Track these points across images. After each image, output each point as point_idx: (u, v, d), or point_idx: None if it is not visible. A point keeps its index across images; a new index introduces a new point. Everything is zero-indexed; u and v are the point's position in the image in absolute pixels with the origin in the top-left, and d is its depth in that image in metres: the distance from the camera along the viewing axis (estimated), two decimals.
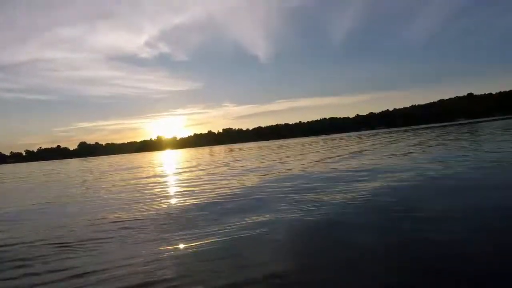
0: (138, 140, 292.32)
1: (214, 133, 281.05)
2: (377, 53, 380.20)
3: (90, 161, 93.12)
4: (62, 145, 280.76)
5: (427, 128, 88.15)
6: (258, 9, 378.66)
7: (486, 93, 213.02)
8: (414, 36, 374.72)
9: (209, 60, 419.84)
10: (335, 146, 38.48)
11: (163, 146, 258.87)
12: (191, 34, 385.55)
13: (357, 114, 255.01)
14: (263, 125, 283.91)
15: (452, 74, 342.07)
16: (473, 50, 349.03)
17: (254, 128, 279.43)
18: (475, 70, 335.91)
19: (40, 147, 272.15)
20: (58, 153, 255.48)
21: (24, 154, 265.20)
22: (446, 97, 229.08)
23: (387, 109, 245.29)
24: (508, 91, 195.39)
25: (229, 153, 52.00)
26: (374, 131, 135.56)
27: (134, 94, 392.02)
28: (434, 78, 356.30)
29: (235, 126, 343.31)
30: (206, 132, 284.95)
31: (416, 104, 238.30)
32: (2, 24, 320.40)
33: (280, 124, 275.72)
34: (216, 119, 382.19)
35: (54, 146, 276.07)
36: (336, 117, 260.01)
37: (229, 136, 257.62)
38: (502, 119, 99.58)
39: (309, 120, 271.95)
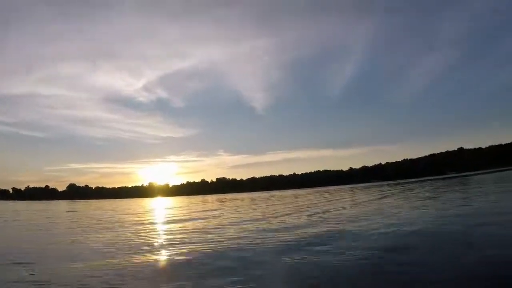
0: (130, 185, 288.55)
1: (208, 181, 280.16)
2: (373, 107, 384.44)
3: (78, 204, 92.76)
4: (51, 185, 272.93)
5: (417, 181, 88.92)
6: (257, 59, 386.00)
7: (476, 147, 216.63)
8: (408, 91, 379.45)
9: (206, 107, 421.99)
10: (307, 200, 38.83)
11: (155, 192, 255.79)
12: (190, 80, 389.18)
13: (350, 168, 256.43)
14: (257, 175, 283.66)
15: (443, 129, 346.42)
16: (466, 105, 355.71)
17: (248, 178, 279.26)
18: (466, 125, 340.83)
19: (28, 186, 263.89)
20: (47, 193, 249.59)
21: (10, 191, 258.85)
22: (437, 151, 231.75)
23: (380, 163, 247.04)
24: (497, 145, 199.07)
25: (221, 203, 52.39)
26: (366, 184, 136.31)
27: (128, 138, 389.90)
28: (425, 132, 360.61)
29: (229, 175, 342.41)
30: (200, 180, 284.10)
31: (408, 158, 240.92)
32: (3, 53, 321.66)
33: (274, 175, 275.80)
34: (210, 168, 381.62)
35: (43, 185, 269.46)
36: (330, 170, 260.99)
37: (223, 186, 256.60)
38: (493, 172, 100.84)
39: (304, 172, 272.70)
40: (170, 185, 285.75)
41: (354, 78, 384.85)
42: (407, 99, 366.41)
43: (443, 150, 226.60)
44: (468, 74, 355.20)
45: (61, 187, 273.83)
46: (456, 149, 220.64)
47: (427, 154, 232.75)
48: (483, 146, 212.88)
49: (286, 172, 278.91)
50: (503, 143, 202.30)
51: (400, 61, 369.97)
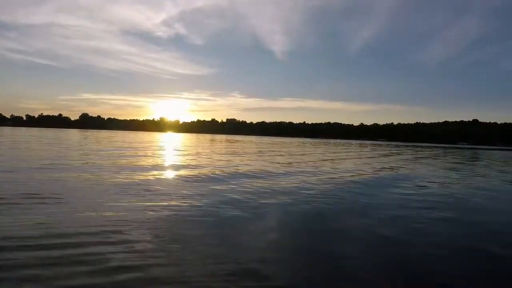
0: (141, 119, 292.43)
1: (218, 121, 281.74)
2: (391, 67, 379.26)
3: (91, 133, 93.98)
4: (64, 114, 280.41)
5: (429, 147, 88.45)
6: (281, 3, 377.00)
7: (492, 121, 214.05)
8: (429, 57, 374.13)
9: (224, 47, 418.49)
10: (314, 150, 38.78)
11: (165, 127, 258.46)
12: (210, 19, 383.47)
13: (361, 123, 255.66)
14: (267, 120, 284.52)
15: (460, 99, 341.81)
16: (484, 80, 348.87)
17: (258, 122, 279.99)
18: (484, 98, 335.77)
19: (42, 114, 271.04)
20: (59, 121, 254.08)
21: (24, 118, 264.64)
22: (451, 119, 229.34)
23: (392, 123, 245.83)
24: None
25: (229, 143, 52.56)
26: (374, 142, 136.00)
27: (143, 72, 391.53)
28: (442, 99, 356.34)
29: (240, 117, 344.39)
30: (210, 119, 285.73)
31: (421, 122, 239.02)
32: None
33: (284, 122, 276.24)
34: (222, 108, 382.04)
35: (56, 114, 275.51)
36: (341, 123, 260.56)
37: (232, 127, 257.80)
38: (504, 149, 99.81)
39: (314, 122, 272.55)
40: (181, 122, 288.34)
41: (377, 36, 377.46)
42: (429, 65, 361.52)
43: (458, 120, 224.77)
44: (496, 47, 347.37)
45: (74, 116, 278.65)
46: (471, 120, 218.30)
47: (440, 121, 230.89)
48: (499, 122, 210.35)
49: (296, 120, 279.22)
50: None
51: (427, 26, 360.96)
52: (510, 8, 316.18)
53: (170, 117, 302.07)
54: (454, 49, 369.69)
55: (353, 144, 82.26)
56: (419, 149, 65.68)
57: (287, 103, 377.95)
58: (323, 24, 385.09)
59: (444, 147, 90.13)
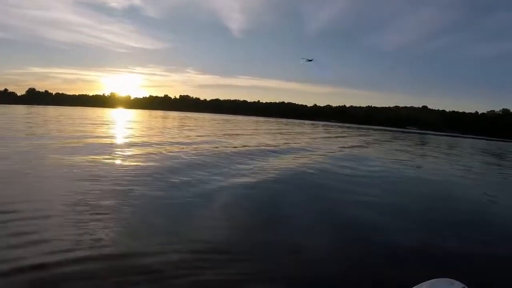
0: (91, 94, 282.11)
1: (171, 98, 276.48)
2: (348, 51, 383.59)
3: (36, 109, 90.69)
4: (10, 89, 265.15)
5: (378, 130, 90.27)
6: None
7: (440, 109, 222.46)
8: (385, 43, 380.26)
9: (181, 22, 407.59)
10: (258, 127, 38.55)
11: (116, 103, 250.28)
12: None
13: (315, 104, 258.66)
14: (222, 98, 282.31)
15: (412, 86, 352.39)
16: (437, 69, 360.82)
17: (213, 99, 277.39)
18: (434, 86, 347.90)
19: None
20: (5, 97, 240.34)
21: None
22: (401, 104, 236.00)
23: (344, 105, 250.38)
24: (461, 112, 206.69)
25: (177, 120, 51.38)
26: (327, 123, 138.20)
27: (95, 44, 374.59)
28: (394, 85, 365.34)
29: (195, 94, 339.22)
30: (163, 96, 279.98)
31: (372, 106, 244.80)
32: None
33: (238, 100, 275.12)
34: (176, 84, 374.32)
35: (2, 89, 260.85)
36: (294, 103, 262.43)
37: (186, 104, 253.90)
38: (449, 135, 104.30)
39: (268, 101, 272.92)
40: (132, 97, 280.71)
41: (336, 19, 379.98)
42: (385, 51, 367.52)
43: (408, 105, 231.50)
44: (450, 38, 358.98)
45: (21, 92, 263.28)
46: (420, 106, 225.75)
47: (391, 106, 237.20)
48: (447, 110, 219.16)
49: (251, 99, 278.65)
50: (466, 112, 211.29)
51: (385, 13, 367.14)
52: (465, 1, 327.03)
53: (122, 93, 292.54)
54: (409, 37, 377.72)
55: (306, 124, 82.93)
56: (369, 131, 66.80)
57: (242, 81, 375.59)
58: (282, 4, 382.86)
59: (394, 131, 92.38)
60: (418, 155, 20.72)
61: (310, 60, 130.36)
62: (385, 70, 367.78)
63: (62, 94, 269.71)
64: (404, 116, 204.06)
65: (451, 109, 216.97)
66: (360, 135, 38.66)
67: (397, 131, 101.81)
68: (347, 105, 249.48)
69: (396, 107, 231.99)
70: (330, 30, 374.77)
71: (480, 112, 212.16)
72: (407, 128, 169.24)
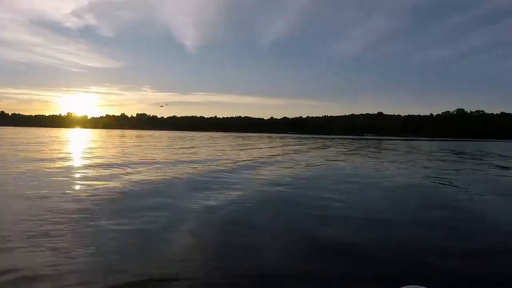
0: (47, 114, 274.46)
1: (128, 116, 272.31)
2: (301, 62, 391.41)
3: None
4: None
5: (334, 139, 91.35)
6: None
7: (395, 114, 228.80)
8: (338, 53, 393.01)
9: (136, 40, 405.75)
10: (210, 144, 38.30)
11: (73, 123, 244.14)
12: (122, 10, 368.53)
13: (271, 117, 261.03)
14: (179, 115, 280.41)
15: (367, 93, 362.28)
16: (391, 74, 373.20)
17: (169, 117, 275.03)
18: (388, 92, 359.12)
19: None
20: None
21: None
22: (357, 112, 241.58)
23: (300, 116, 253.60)
24: (416, 115, 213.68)
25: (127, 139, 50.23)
26: (284, 135, 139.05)
27: (51, 64, 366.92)
28: (350, 94, 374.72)
29: (151, 112, 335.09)
30: (119, 114, 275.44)
31: (329, 115, 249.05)
32: None
33: (195, 116, 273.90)
34: (132, 103, 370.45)
35: None
36: (251, 117, 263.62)
37: (143, 122, 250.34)
38: (406, 139, 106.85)
39: (225, 116, 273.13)
40: (89, 117, 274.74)
41: (290, 30, 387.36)
42: (338, 60, 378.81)
43: (364, 112, 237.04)
44: (404, 45, 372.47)
45: None
46: (376, 113, 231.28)
47: (347, 114, 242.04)
48: (402, 114, 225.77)
49: (207, 114, 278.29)
50: (421, 114, 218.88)
51: (337, 23, 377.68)
52: (415, 8, 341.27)
53: (78, 113, 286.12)
54: (362, 45, 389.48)
55: (263, 137, 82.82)
56: (325, 141, 67.51)
57: (198, 98, 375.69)
58: (235, 18, 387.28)
59: (351, 139, 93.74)
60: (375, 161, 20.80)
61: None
62: (340, 79, 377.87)
63: (19, 114, 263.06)
64: (361, 124, 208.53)
65: (406, 114, 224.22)
66: (318, 148, 38.76)
67: (355, 138, 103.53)
68: (304, 116, 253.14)
69: (352, 115, 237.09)
70: (283, 42, 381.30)
71: (435, 114, 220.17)
72: (364, 135, 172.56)
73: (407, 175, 13.92)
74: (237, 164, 15.97)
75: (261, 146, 34.33)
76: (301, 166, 15.93)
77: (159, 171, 12.21)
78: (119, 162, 15.20)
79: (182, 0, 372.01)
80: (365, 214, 6.69)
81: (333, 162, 19.10)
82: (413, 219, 6.48)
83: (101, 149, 24.37)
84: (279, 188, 9.51)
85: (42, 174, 10.48)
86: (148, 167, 13.12)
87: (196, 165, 14.78)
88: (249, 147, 32.86)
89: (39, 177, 9.86)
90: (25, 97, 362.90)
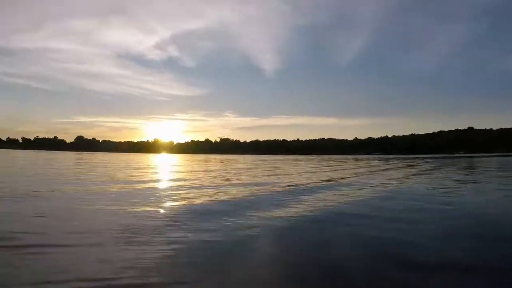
0: (135, 140, 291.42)
1: (212, 141, 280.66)
2: (382, 78, 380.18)
3: (85, 155, 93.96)
4: (60, 137, 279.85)
5: (425, 158, 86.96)
6: (270, 22, 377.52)
7: (487, 128, 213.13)
8: (421, 64, 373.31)
9: (216, 68, 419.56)
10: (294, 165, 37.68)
11: (160, 149, 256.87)
12: (202, 40, 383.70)
13: (356, 138, 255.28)
14: (261, 138, 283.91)
15: (454, 107, 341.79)
16: (478, 84, 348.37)
17: (252, 141, 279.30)
18: (478, 105, 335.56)
19: (37, 136, 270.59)
20: (55, 144, 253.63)
21: (20, 141, 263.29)
22: (446, 128, 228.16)
23: (386, 135, 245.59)
24: (510, 128, 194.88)
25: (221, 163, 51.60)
26: (369, 156, 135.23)
27: (137, 94, 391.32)
28: (436, 108, 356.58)
29: (234, 136, 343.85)
30: (204, 140, 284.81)
31: (416, 133, 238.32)
32: (15, 10, 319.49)
33: (277, 139, 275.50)
34: (215, 128, 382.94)
35: (51, 136, 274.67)
36: (335, 139, 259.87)
37: (226, 146, 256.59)
38: (502, 155, 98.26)
39: (308, 138, 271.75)
40: (175, 143, 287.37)
41: (369, 45, 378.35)
42: (420, 72, 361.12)
43: (453, 128, 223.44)
44: (487, 50, 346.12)
45: (69, 139, 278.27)
46: (466, 128, 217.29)
47: (435, 131, 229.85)
48: (494, 128, 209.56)
49: (290, 138, 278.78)
50: None
51: (419, 30, 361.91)
52: (500, 8, 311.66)
53: (165, 138, 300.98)
54: (442, 55, 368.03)
55: (349, 159, 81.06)
56: (415, 161, 64.30)
57: (280, 120, 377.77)
58: (311, 40, 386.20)
59: (441, 157, 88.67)
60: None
61: None
62: (421, 94, 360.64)
63: (109, 141, 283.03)
64: (451, 140, 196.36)
65: (499, 127, 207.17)
66: (407, 166, 36.73)
67: (446, 157, 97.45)
68: (389, 135, 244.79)
69: (440, 132, 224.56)
70: (361, 59, 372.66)
71: None
72: (455, 153, 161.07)
73: None
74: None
75: (345, 167, 33.58)
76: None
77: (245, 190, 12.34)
78: (208, 183, 15.61)
79: (259, 27, 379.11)
80: None
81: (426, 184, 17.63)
82: None
83: (189, 172, 25.21)
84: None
85: (142, 193, 11.05)
86: (233, 188, 13.33)
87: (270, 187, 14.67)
88: (337, 168, 32.21)
89: (139, 194, 10.44)
90: (115, 124, 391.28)
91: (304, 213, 8.62)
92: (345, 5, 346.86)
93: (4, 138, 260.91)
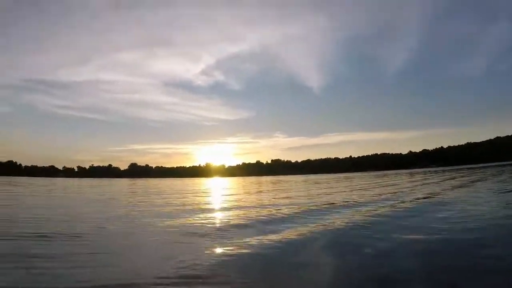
0: (187, 166, 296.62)
1: (263, 163, 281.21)
2: (429, 88, 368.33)
3: (143, 182, 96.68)
4: (114, 164, 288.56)
5: (483, 167, 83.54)
6: (311, 39, 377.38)
7: None
8: (470, 70, 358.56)
9: (262, 90, 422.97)
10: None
11: (212, 173, 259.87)
12: (246, 63, 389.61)
13: (410, 151, 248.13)
14: (312, 157, 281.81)
15: (508, 110, 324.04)
16: None
17: (303, 160, 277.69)
18: None
19: (92, 164, 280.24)
20: (109, 171, 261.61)
21: (76, 169, 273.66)
22: (503, 134, 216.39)
23: (441, 146, 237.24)
24: None
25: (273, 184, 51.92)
26: (426, 169, 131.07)
27: (187, 120, 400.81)
28: (489, 113, 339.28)
29: (285, 157, 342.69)
30: (255, 162, 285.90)
31: (472, 142, 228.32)
32: (66, 45, 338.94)
33: (329, 158, 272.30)
34: (265, 149, 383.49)
35: (106, 164, 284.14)
36: (388, 153, 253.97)
37: (278, 167, 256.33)
38: None
39: (360, 154, 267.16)
40: (226, 166, 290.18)
41: (415, 54, 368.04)
42: (470, 77, 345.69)
43: (510, 134, 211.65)
44: None
45: (123, 166, 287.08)
46: None
47: (492, 138, 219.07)
48: None
49: (341, 155, 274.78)
50: None
51: (466, 34, 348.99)
52: None
53: (216, 162, 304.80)
54: (490, 57, 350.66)
55: (403, 174, 78.82)
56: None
57: (330, 138, 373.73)
58: (355, 54, 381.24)
59: (501, 165, 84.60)
60: None
61: None
62: (473, 100, 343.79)
63: (162, 167, 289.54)
64: (509, 146, 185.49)
65: None
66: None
67: (506, 164, 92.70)
68: (445, 146, 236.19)
69: (497, 138, 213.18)
70: (408, 68, 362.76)
71: None
72: None
73: None
74: None
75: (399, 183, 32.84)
76: None
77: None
78: (261, 203, 15.90)
79: (303, 44, 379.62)
80: None
81: None
82: None
83: (244, 194, 25.61)
84: None
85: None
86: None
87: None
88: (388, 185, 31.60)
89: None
90: (167, 151, 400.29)
91: None
92: (386, 14, 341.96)
93: (60, 167, 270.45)
